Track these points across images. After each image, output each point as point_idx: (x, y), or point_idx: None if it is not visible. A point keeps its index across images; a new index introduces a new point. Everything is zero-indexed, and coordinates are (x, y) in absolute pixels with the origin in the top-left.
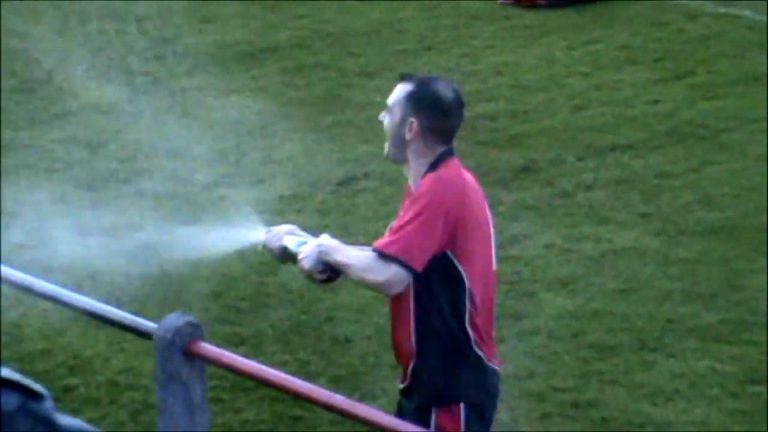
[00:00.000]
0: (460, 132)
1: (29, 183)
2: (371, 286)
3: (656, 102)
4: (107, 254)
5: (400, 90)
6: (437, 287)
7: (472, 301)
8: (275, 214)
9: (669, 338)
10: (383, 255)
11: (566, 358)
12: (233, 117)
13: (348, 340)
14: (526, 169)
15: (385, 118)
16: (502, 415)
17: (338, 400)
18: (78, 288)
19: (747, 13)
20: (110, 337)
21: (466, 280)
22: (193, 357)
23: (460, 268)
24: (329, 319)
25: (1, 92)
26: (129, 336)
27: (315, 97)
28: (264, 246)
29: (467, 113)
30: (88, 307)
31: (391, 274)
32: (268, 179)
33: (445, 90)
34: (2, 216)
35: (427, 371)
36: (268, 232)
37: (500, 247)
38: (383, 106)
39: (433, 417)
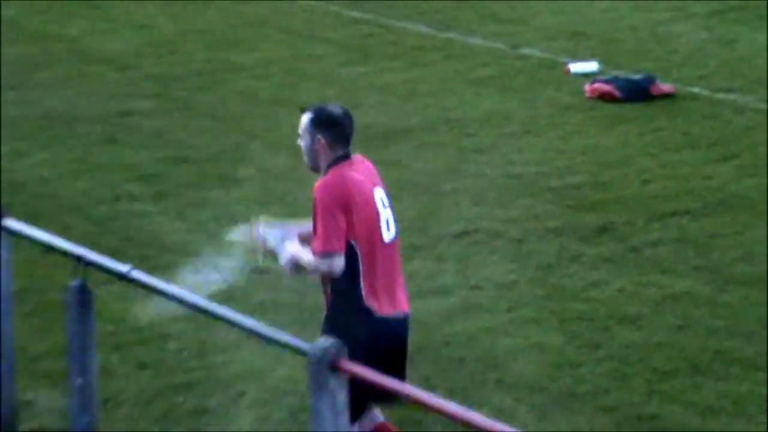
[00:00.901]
0: (554, 197)
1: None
2: (325, 274)
3: (709, 178)
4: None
5: (304, 119)
6: (349, 263)
7: (363, 263)
8: (406, 261)
9: (717, 366)
10: (319, 254)
11: (634, 379)
12: None
13: (461, 360)
14: (604, 229)
15: (301, 143)
16: (582, 424)
17: (452, 407)
18: (256, 313)
19: None
20: (277, 354)
21: (357, 250)
22: (337, 371)
23: (353, 242)
24: (446, 343)
25: (200, 161)
26: (290, 353)
27: (438, 169)
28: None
29: (560, 184)
30: (259, 329)
31: (327, 264)
32: (400, 232)
33: (334, 109)
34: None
35: (332, 319)
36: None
37: (582, 290)
38: (494, 177)
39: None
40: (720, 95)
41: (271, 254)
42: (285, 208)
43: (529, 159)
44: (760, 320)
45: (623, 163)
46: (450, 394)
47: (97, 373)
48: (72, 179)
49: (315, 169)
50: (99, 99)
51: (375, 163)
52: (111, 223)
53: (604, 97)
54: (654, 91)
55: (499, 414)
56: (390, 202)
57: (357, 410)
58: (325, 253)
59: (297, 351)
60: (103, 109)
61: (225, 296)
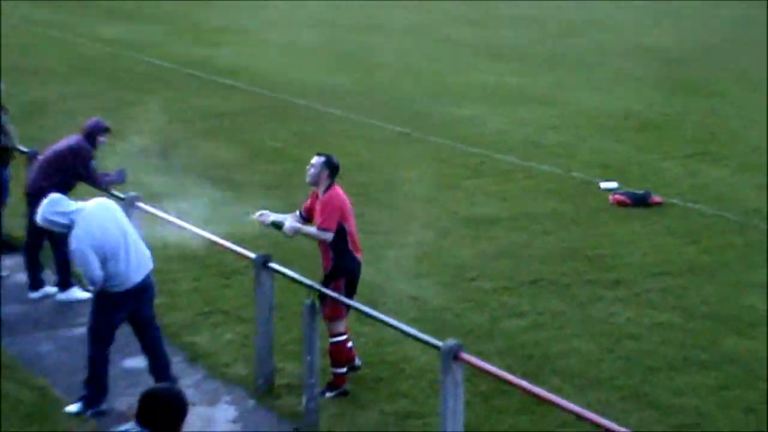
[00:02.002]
0: (587, 262)
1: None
2: (321, 240)
3: (680, 254)
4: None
5: (318, 159)
6: (339, 233)
7: (349, 234)
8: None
9: (684, 366)
10: (320, 228)
11: (634, 371)
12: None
13: (530, 357)
14: (618, 281)
15: (311, 170)
16: (601, 398)
17: (568, 404)
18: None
19: None
20: (425, 349)
21: (346, 228)
22: (459, 361)
23: (344, 225)
24: (522, 346)
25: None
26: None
27: None
28: (263, 222)
29: (592, 254)
30: (408, 330)
31: (324, 234)
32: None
33: (335, 159)
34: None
35: (334, 266)
36: (260, 215)
37: (606, 317)
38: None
39: (332, 285)
40: (689, 204)
41: (276, 225)
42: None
43: (575, 238)
44: (712, 340)
45: (631, 243)
46: (524, 377)
47: (318, 354)
48: None
49: (314, 185)
50: None
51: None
52: None
53: (620, 204)
54: (651, 201)
55: (552, 390)
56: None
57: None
58: (324, 229)
59: (433, 346)
60: None
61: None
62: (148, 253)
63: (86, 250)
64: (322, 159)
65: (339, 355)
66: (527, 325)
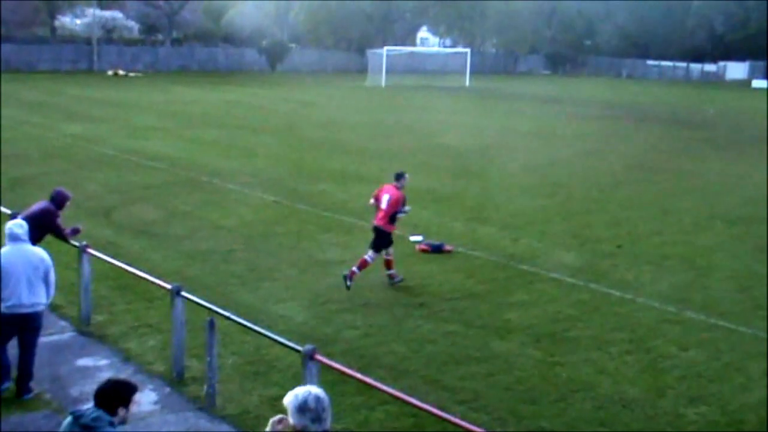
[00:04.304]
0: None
1: None
2: (397, 214)
3: (452, 285)
4: None
5: (392, 185)
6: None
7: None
8: None
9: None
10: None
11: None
12: None
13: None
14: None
15: (391, 190)
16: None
17: (388, 388)
18: None
19: None
20: (290, 352)
21: (378, 206)
22: (314, 360)
23: (376, 204)
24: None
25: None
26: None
27: None
28: None
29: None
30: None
31: (403, 212)
32: None
33: (401, 171)
34: None
35: (384, 225)
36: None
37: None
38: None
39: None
40: (469, 251)
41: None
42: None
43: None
44: (484, 343)
45: (431, 277)
46: (358, 370)
47: (216, 356)
48: None
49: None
50: None
51: None
52: None
53: (424, 251)
54: (444, 249)
55: (377, 379)
56: (388, 199)
57: None
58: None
59: (294, 349)
60: None
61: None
62: (48, 293)
63: None
64: (396, 184)
65: (389, 265)
66: (361, 335)
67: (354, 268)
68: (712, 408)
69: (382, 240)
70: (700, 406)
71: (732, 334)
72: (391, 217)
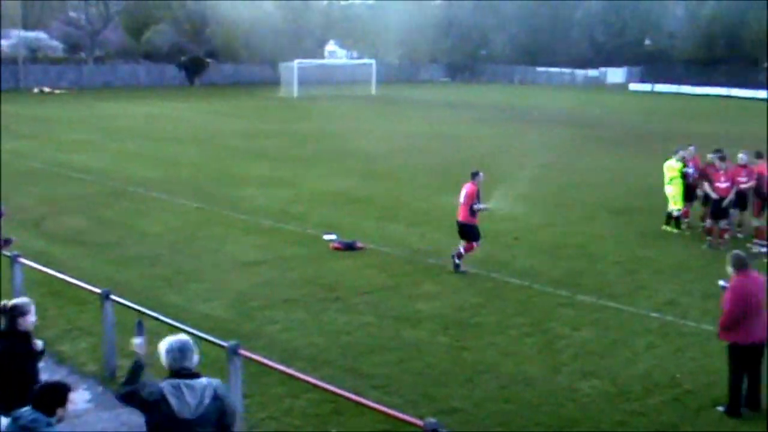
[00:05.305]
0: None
1: None
2: (478, 210)
3: (365, 279)
4: None
5: (470, 182)
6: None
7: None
8: None
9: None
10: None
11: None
12: None
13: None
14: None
15: (467, 186)
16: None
17: (308, 378)
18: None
19: None
20: (216, 347)
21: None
22: (238, 355)
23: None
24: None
25: None
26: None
27: None
28: None
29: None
30: None
31: (483, 207)
32: None
33: (474, 169)
34: None
35: (464, 219)
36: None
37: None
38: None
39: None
40: (380, 248)
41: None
42: None
43: (310, 272)
44: (396, 332)
45: (345, 273)
46: (280, 362)
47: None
48: None
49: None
50: None
51: None
52: None
53: (337, 249)
54: (357, 246)
55: (298, 369)
56: (464, 194)
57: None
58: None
59: (219, 345)
60: None
61: None
62: None
63: None
64: (472, 181)
65: (468, 250)
66: (281, 329)
67: (461, 249)
68: (603, 381)
69: (464, 232)
70: (593, 379)
71: (619, 314)
72: (471, 210)
